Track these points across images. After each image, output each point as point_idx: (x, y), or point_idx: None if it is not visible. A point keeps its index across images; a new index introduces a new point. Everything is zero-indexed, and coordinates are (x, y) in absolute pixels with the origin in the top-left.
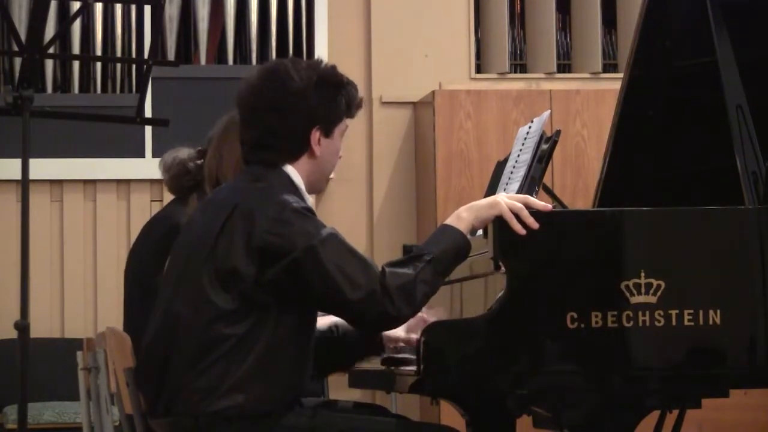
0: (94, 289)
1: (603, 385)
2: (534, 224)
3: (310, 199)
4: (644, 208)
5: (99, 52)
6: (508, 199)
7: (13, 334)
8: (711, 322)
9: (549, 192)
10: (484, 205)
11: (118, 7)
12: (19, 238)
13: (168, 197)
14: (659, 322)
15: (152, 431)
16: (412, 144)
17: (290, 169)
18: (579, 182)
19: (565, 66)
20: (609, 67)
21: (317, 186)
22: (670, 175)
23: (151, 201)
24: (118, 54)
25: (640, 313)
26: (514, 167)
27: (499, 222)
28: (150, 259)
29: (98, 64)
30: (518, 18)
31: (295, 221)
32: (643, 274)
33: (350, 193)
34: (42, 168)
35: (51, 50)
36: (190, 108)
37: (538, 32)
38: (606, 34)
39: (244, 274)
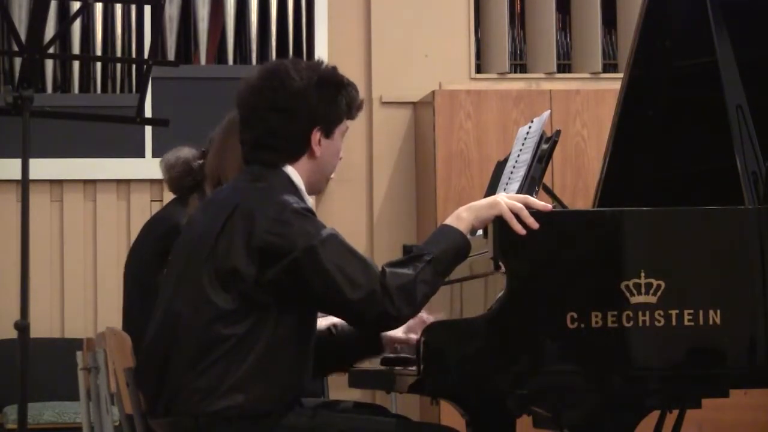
0: (94, 289)
1: (603, 385)
2: (534, 224)
3: (310, 200)
4: (644, 208)
5: (99, 52)
6: (508, 199)
7: (13, 334)
8: (711, 322)
9: (549, 192)
10: (484, 205)
11: (118, 7)
12: (19, 238)
13: (168, 197)
14: (659, 322)
15: (152, 431)
16: (412, 144)
17: (290, 170)
18: (579, 182)
19: (565, 66)
20: (609, 67)
21: (317, 186)
22: (670, 175)
23: (151, 201)
24: (118, 54)
25: (640, 313)
26: (514, 167)
27: (499, 222)
28: (150, 258)
29: (98, 64)
30: (518, 18)
31: (295, 221)
32: (643, 274)
33: (350, 194)
34: (42, 168)
35: (51, 50)
36: (190, 108)
37: (538, 32)
38: (606, 34)
39: (244, 274)
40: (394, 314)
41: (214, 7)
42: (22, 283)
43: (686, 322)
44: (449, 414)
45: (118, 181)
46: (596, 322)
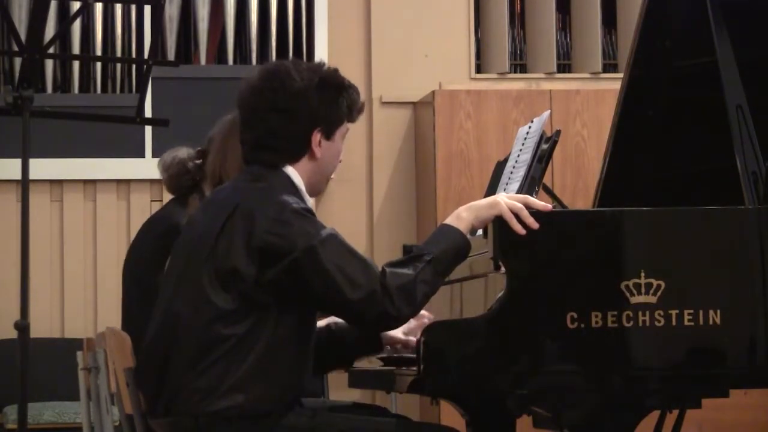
0: (94, 289)
1: (603, 385)
2: (534, 224)
3: (311, 200)
4: (644, 208)
5: (99, 52)
6: (508, 199)
7: (13, 334)
8: (711, 322)
9: (549, 192)
10: (484, 205)
11: (118, 7)
12: (19, 238)
13: (168, 197)
14: (659, 322)
15: (152, 431)
16: (412, 144)
17: (290, 170)
18: (579, 182)
19: (565, 66)
20: (609, 67)
21: (317, 187)
22: (670, 175)
23: (151, 201)
24: (118, 54)
25: (640, 313)
26: (514, 167)
27: (499, 222)
28: (149, 258)
29: (98, 64)
30: (518, 18)
31: (295, 222)
32: (643, 274)
33: (350, 194)
34: (42, 168)
35: (51, 50)
36: (190, 108)
37: (538, 32)
38: (606, 34)
39: (244, 275)
40: (394, 314)
41: (214, 7)
42: (22, 283)
43: (686, 322)
44: (449, 414)
45: (118, 181)
46: (596, 322)
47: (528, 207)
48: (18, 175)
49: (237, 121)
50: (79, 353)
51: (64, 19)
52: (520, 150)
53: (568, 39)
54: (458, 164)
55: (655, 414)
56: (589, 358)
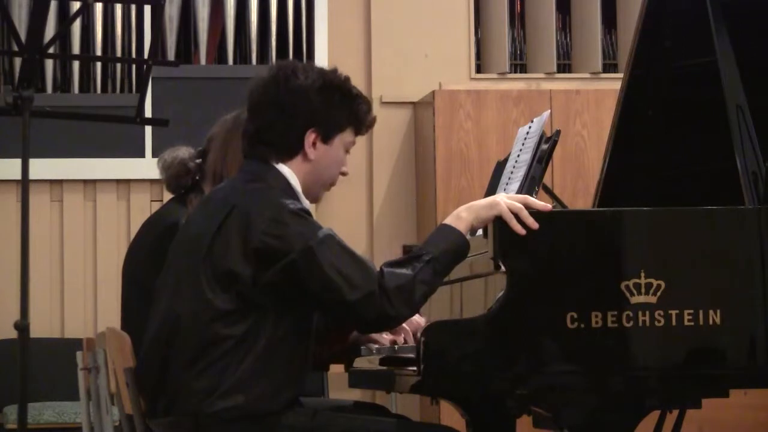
0: (94, 289)
1: (603, 385)
2: (534, 224)
3: (307, 201)
4: (644, 208)
5: (99, 52)
6: (507, 199)
7: (13, 334)
8: (711, 322)
9: (549, 192)
10: (484, 205)
11: (118, 7)
12: (19, 238)
13: (168, 197)
14: (659, 322)
15: (152, 431)
16: (412, 144)
17: (286, 170)
18: (579, 182)
19: (565, 66)
20: (609, 67)
21: (313, 193)
22: (670, 175)
23: (151, 201)
24: (118, 54)
25: (640, 313)
26: (514, 167)
27: (499, 222)
28: (147, 258)
29: (98, 64)
30: (518, 18)
31: (292, 223)
32: (643, 274)
33: (350, 193)
34: (42, 168)
35: (51, 50)
36: (190, 108)
37: (538, 32)
38: (606, 34)
39: (242, 276)
40: (393, 314)
41: (214, 7)
42: (22, 283)
43: (686, 322)
44: (449, 414)
45: (118, 181)
46: (596, 322)
47: (528, 207)
48: (18, 175)
49: (238, 120)
50: (79, 353)
51: (64, 19)
52: (520, 150)
53: (568, 39)
54: (458, 164)
55: (655, 414)
56: (589, 358)
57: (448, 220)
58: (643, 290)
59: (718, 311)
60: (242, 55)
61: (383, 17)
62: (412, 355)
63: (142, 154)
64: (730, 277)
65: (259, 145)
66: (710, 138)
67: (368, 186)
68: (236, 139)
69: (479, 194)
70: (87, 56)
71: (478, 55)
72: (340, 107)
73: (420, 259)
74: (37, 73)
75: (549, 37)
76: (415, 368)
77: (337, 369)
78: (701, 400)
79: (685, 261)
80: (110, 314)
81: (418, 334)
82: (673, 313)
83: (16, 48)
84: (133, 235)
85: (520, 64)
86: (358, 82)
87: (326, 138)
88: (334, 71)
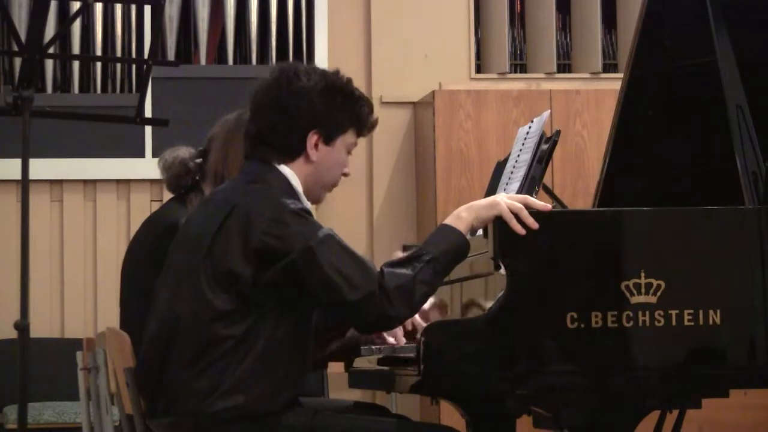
0: (94, 289)
1: (603, 385)
2: (534, 224)
3: (308, 202)
4: (644, 208)
5: (99, 52)
6: (507, 199)
7: (13, 334)
8: (711, 322)
9: (549, 192)
10: (484, 205)
11: (118, 7)
12: (19, 238)
13: (168, 197)
14: (659, 322)
15: (152, 431)
16: (412, 144)
17: (287, 171)
18: (579, 182)
19: (565, 66)
20: (609, 67)
21: (315, 195)
22: (670, 175)
23: (151, 201)
24: (118, 54)
25: (640, 313)
26: (514, 167)
27: (499, 222)
28: (147, 258)
29: (98, 64)
30: (518, 18)
31: (292, 223)
32: (643, 274)
33: (350, 194)
34: (42, 168)
35: (51, 50)
36: (190, 108)
37: (538, 32)
38: (606, 34)
39: (242, 276)
40: (393, 314)
41: (214, 7)
42: (22, 283)
43: (686, 322)
44: (449, 414)
45: (118, 181)
46: (596, 322)
47: (528, 207)
48: (18, 175)
49: (240, 120)
50: (79, 353)
51: (64, 19)
52: (520, 150)
53: (568, 39)
54: (458, 164)
55: (655, 414)
56: (589, 358)
57: (448, 220)
58: (643, 290)
59: (718, 311)
60: (242, 55)
61: (383, 17)
62: (412, 355)
63: (142, 154)
64: (730, 277)
65: (261, 146)
66: (710, 138)
67: (368, 186)
68: (238, 139)
69: (479, 194)
70: (87, 56)
71: (478, 55)
72: (342, 109)
73: (420, 259)
74: (37, 73)
75: (549, 37)
76: (415, 368)
77: (337, 369)
78: (701, 400)
79: (685, 261)
80: (110, 314)
81: (418, 335)
82: (673, 313)
83: (16, 48)
84: (132, 235)
85: (520, 64)
86: (358, 82)
87: (328, 139)
88: (336, 73)
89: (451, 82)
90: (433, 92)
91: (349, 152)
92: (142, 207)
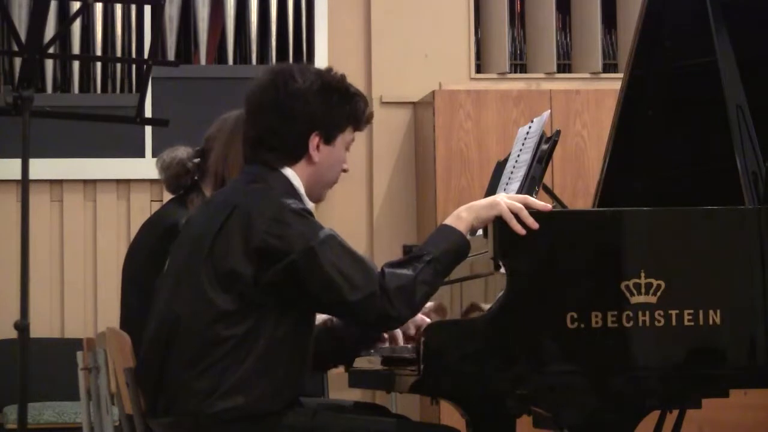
0: (94, 289)
1: (603, 385)
2: (534, 224)
3: (311, 202)
4: (644, 208)
5: (99, 52)
6: (507, 199)
7: (13, 334)
8: (711, 322)
9: (549, 192)
10: (484, 205)
11: (118, 7)
12: (19, 238)
13: (168, 197)
14: (659, 322)
15: (152, 431)
16: (412, 144)
17: (290, 172)
18: (579, 182)
19: (565, 66)
20: (609, 67)
21: (316, 194)
22: (670, 175)
23: (151, 201)
24: (118, 54)
25: (640, 313)
26: (514, 167)
27: (499, 222)
28: (147, 259)
29: (98, 64)
30: (518, 18)
31: (293, 222)
32: (643, 274)
33: (350, 194)
34: (42, 168)
35: (51, 50)
36: (190, 108)
37: (538, 32)
38: (606, 34)
39: (243, 276)
40: (394, 315)
41: (214, 7)
42: (22, 283)
43: (686, 322)
44: (449, 414)
45: (118, 181)
46: (596, 322)
47: (528, 207)
48: (18, 175)
49: (240, 120)
50: (79, 353)
51: (64, 19)
52: (520, 150)
53: (568, 39)
54: (458, 164)
55: (655, 414)
56: (589, 358)
57: (449, 221)
58: (643, 290)
59: (718, 311)
60: (242, 55)
61: (383, 17)
62: (412, 355)
63: (142, 154)
64: (730, 277)
65: (262, 150)
66: (710, 138)
67: (368, 186)
68: (238, 140)
69: (479, 194)
70: (87, 56)
71: (478, 55)
72: (340, 107)
73: (421, 259)
74: (37, 73)
75: (549, 37)
76: (415, 368)
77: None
78: (701, 400)
79: (685, 261)
80: (110, 314)
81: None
82: (673, 313)
83: (16, 48)
84: (133, 235)
85: (520, 64)
86: (358, 82)
87: (329, 139)
88: (329, 71)
89: (451, 82)
90: (433, 92)
91: (347, 149)
92: (142, 207)
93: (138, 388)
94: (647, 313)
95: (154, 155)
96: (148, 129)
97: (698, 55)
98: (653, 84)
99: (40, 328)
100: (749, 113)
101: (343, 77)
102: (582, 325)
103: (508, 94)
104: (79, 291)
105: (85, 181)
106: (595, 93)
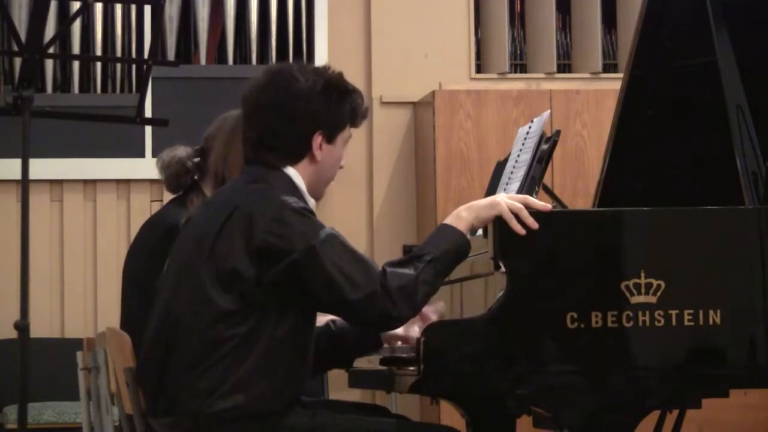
0: (94, 289)
1: (603, 385)
2: (534, 224)
3: (312, 201)
4: (644, 208)
5: (99, 52)
6: (507, 199)
7: (13, 334)
8: (711, 322)
9: (549, 192)
10: (484, 205)
11: (118, 7)
12: (19, 238)
13: (168, 197)
14: (659, 322)
15: (152, 431)
16: (412, 144)
17: (292, 171)
18: (579, 182)
19: (565, 66)
20: (609, 67)
21: (316, 192)
22: (670, 175)
23: (151, 201)
24: (118, 54)
25: (640, 313)
26: (514, 167)
27: (499, 222)
28: (147, 259)
29: (98, 64)
30: (518, 18)
31: (295, 221)
32: (643, 274)
33: (350, 194)
34: (42, 168)
35: (51, 50)
36: (190, 108)
37: (538, 32)
38: (606, 34)
39: (245, 275)
40: (395, 315)
41: (214, 7)
42: (22, 283)
43: (686, 322)
44: (449, 414)
45: (118, 181)
46: (596, 322)
47: (528, 207)
48: (18, 175)
49: (239, 120)
50: (79, 353)
51: (64, 19)
52: (520, 150)
53: (568, 39)
54: (458, 164)
55: (655, 414)
56: (589, 358)
57: (449, 220)
58: (643, 290)
59: (718, 311)
60: (242, 55)
61: (383, 17)
62: (412, 355)
63: (142, 154)
64: (730, 277)
65: (264, 150)
66: (710, 138)
67: (368, 186)
68: (238, 140)
69: (479, 194)
70: (87, 56)
71: (478, 55)
72: (340, 105)
73: (421, 259)
74: (37, 73)
75: (549, 37)
76: (415, 368)
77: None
78: (701, 400)
79: (685, 261)
80: (110, 314)
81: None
82: (673, 313)
83: (16, 48)
84: (133, 236)
85: (520, 64)
86: (358, 82)
87: (330, 138)
88: (327, 69)
89: (451, 82)
90: (433, 92)
91: (345, 145)
92: (142, 207)
93: (138, 388)
94: (647, 313)
95: (154, 155)
96: (148, 129)
97: (698, 55)
98: (653, 84)
99: (40, 328)
100: (749, 113)
101: (340, 75)
102: (582, 325)
103: (508, 94)
104: (79, 291)
105: (85, 181)
106: (595, 93)
